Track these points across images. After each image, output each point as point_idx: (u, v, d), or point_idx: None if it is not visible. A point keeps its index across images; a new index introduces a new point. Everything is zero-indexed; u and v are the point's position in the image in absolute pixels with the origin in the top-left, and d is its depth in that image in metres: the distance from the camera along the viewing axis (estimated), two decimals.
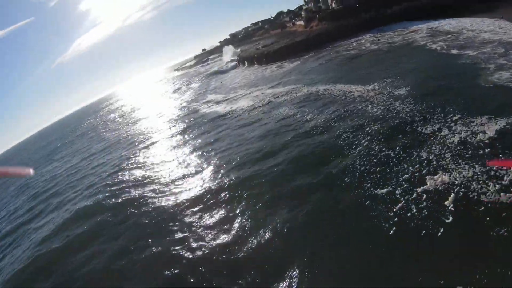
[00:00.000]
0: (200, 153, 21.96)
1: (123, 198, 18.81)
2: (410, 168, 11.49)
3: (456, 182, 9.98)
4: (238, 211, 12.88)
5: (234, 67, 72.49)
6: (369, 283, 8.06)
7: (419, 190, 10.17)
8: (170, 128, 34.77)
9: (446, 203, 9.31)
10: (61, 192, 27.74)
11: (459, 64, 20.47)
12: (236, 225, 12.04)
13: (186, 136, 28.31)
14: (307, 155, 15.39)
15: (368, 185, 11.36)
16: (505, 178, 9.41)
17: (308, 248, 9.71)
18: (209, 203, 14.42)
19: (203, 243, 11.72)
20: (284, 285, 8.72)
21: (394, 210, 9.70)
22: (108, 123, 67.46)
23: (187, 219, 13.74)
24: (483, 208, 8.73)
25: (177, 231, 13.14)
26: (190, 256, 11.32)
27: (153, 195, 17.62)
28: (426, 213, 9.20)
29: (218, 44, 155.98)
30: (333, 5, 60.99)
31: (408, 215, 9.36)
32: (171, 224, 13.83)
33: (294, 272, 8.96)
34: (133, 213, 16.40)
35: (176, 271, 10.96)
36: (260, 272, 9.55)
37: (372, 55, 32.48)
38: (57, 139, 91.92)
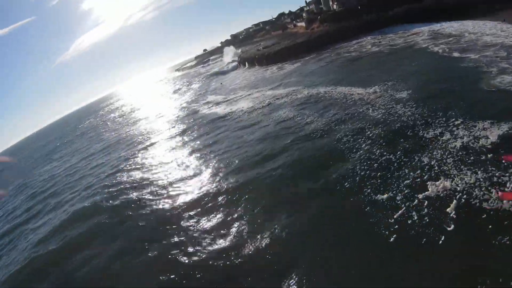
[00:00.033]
0: (198, 155, 21.79)
1: (121, 200, 18.67)
2: (411, 173, 11.30)
3: (458, 188, 9.79)
4: (236, 215, 12.70)
5: (235, 68, 72.34)
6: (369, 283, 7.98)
7: (420, 196, 9.99)
8: (170, 129, 34.61)
9: (448, 210, 9.13)
10: (59, 193, 27.63)
11: (461, 67, 20.27)
12: (233, 230, 11.86)
13: (185, 138, 28.15)
14: (307, 159, 15.20)
15: (369, 190, 11.17)
16: (508, 184, 9.23)
17: (307, 254, 9.53)
18: (206, 206, 14.23)
19: (200, 248, 11.54)
20: None
21: (395, 217, 9.51)
22: (108, 123, 67.37)
23: (185, 223, 13.55)
24: (485, 216, 8.54)
25: (174, 235, 12.96)
26: (187, 261, 11.14)
27: (151, 197, 17.46)
28: (427, 220, 9.02)
29: (219, 44, 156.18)
30: (335, 6, 60.88)
31: (409, 222, 9.18)
32: (168, 227, 13.66)
33: (292, 280, 8.79)
34: (130, 215, 16.24)
35: (172, 276, 10.79)
36: (258, 279, 9.38)
37: (373, 57, 32.28)
38: (56, 138, 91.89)
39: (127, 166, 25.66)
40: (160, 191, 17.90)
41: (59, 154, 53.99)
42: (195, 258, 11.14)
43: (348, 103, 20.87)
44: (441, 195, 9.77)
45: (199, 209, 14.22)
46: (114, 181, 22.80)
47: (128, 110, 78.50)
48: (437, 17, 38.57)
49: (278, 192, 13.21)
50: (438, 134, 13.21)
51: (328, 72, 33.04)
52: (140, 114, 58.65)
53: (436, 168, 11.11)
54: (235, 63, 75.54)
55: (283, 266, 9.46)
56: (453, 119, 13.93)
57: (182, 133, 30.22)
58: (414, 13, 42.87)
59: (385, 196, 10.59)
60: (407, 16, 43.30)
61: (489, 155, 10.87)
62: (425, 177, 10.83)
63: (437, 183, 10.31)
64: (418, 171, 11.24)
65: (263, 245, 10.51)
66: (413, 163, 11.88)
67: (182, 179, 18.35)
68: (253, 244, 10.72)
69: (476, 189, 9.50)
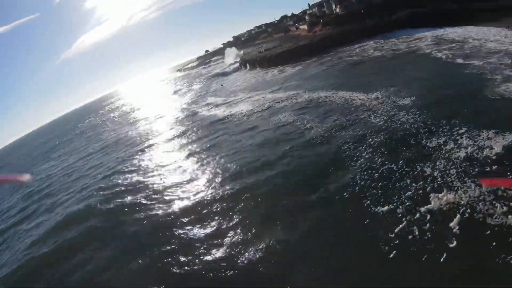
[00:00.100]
0: (195, 159, 21.44)
1: (115, 204, 18.33)
2: (413, 184, 10.94)
3: (462, 202, 9.41)
4: (231, 224, 12.30)
5: (236, 70, 72.14)
6: None
7: (422, 209, 9.60)
8: (168, 130, 34.31)
9: (451, 225, 8.76)
10: (54, 193, 27.31)
11: (465, 74, 19.95)
12: (227, 239, 11.46)
13: (183, 140, 27.82)
14: (306, 167, 14.81)
15: (368, 201, 10.78)
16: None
17: (301, 269, 9.13)
18: (201, 214, 13.82)
19: (192, 257, 11.13)
20: None
21: (395, 231, 9.12)
22: (107, 123, 67.16)
23: (178, 231, 13.15)
24: (489, 232, 8.17)
25: (166, 243, 12.56)
26: (178, 271, 10.77)
27: (145, 202, 17.09)
28: (429, 235, 8.63)
29: (221, 46, 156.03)
30: (337, 10, 60.64)
31: (409, 237, 8.79)
32: (160, 235, 13.27)
33: None
34: (123, 221, 15.87)
35: (162, 286, 10.41)
36: None
37: (376, 62, 31.98)
38: (56, 136, 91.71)
39: (124, 168, 25.34)
40: (155, 195, 17.52)
41: (58, 153, 53.74)
42: (187, 268, 10.76)
43: (349, 108, 20.52)
44: (444, 208, 9.40)
45: (193, 217, 13.82)
46: (110, 183, 22.47)
47: (128, 110, 78.35)
48: (440, 22, 38.30)
49: (275, 201, 12.80)
50: (442, 143, 12.86)
51: (329, 76, 32.74)
52: (140, 114, 58.41)
53: (439, 179, 10.74)
54: (236, 65, 75.35)
55: (278, 279, 9.11)
56: (457, 128, 13.59)
57: (180, 135, 29.90)
58: (417, 17, 42.61)
59: (386, 208, 10.20)
60: (410, 21, 43.05)
61: (494, 167, 10.52)
62: (427, 189, 10.46)
63: (440, 195, 9.94)
64: (421, 182, 10.88)
65: (257, 258, 10.11)
66: (415, 173, 11.53)
67: (178, 184, 17.97)
68: (247, 256, 10.32)
69: (480, 203, 9.13)
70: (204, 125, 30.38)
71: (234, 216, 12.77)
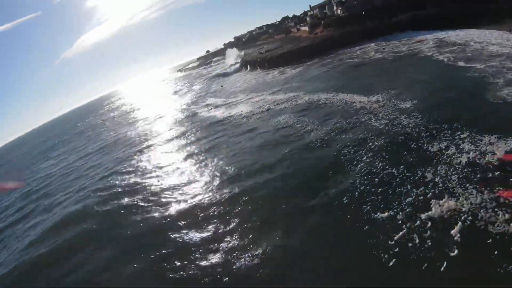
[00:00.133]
0: (194, 161, 21.30)
1: (112, 205, 18.23)
2: (414, 190, 10.76)
3: (463, 209, 9.23)
4: (228, 228, 12.14)
5: (237, 70, 72.04)
6: None
7: (423, 216, 9.42)
8: (167, 131, 34.24)
9: (452, 232, 8.58)
10: (52, 193, 27.25)
11: (467, 77, 19.76)
12: (224, 244, 11.29)
13: (182, 141, 27.71)
14: (305, 170, 14.66)
15: (368, 207, 10.60)
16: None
17: (299, 278, 8.96)
18: (198, 218, 13.67)
19: (188, 262, 10.98)
20: None
21: (395, 238, 8.94)
22: (107, 123, 67.11)
23: (174, 234, 12.99)
24: (491, 240, 8.00)
25: (162, 246, 12.40)
26: (172, 276, 10.63)
27: (142, 204, 16.94)
28: (429, 243, 8.45)
29: (222, 46, 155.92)
30: (339, 11, 60.49)
31: (409, 245, 8.61)
32: (157, 238, 13.13)
33: None
34: (120, 223, 15.74)
35: None
36: None
37: (377, 64, 31.80)
38: (56, 135, 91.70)
39: (122, 168, 25.21)
40: (152, 197, 17.38)
41: (57, 152, 53.73)
42: (182, 272, 10.62)
43: (349, 111, 20.34)
44: (445, 216, 9.22)
45: (190, 220, 13.67)
46: (107, 184, 22.37)
47: (128, 109, 78.33)
48: (442, 25, 38.11)
49: (274, 205, 12.64)
50: (443, 147, 12.68)
51: (330, 78, 32.57)
52: (140, 114, 58.39)
53: (441, 185, 10.56)
54: (237, 66, 75.27)
55: (278, 280, 8.96)
56: (459, 132, 13.40)
57: (179, 136, 29.80)
58: (419, 20, 42.40)
59: (386, 214, 10.02)
60: (412, 23, 42.84)
61: (496, 173, 10.33)
62: (428, 195, 10.28)
63: (441, 202, 9.76)
64: (422, 188, 10.70)
65: (253, 264, 9.96)
66: (416, 178, 11.36)
67: (176, 186, 17.81)
68: (243, 262, 10.17)
69: (482, 210, 8.96)
70: (204, 126, 30.27)
71: (232, 220, 12.61)
